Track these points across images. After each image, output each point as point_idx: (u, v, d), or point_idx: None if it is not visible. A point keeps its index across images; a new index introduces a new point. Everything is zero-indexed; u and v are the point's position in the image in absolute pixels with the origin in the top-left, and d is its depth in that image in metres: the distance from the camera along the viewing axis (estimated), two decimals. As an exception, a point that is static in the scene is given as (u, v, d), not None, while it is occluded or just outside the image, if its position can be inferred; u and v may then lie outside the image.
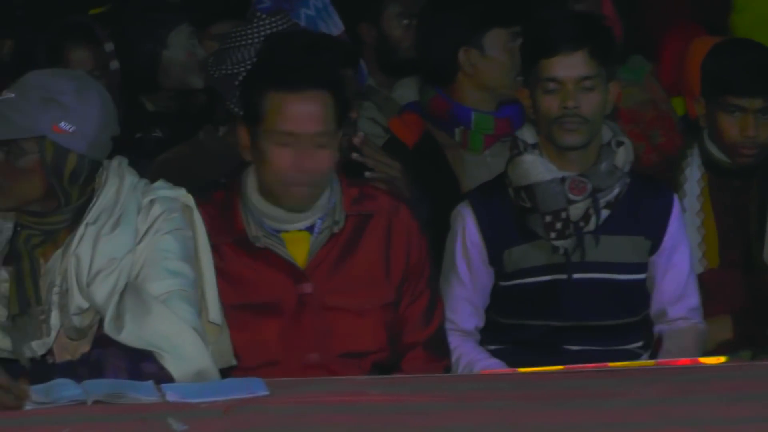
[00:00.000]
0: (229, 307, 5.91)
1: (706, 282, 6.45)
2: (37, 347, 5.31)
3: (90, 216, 5.39)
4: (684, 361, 5.93)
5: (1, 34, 9.35)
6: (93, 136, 5.43)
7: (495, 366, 6.18)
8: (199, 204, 5.97)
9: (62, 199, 5.38)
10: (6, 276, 5.47)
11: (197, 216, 5.62)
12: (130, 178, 5.55)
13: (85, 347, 5.35)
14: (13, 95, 5.49)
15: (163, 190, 5.59)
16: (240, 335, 5.90)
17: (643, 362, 6.06)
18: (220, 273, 5.94)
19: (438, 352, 6.25)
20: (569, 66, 6.22)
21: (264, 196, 6.11)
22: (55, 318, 5.39)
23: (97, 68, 8.50)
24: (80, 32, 9.09)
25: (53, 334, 5.38)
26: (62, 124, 5.34)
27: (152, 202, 5.49)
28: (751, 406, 4.88)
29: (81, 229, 5.38)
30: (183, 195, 5.63)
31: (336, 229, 6.09)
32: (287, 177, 5.97)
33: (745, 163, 6.75)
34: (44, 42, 8.90)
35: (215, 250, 5.94)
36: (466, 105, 7.16)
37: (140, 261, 5.40)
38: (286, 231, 6.09)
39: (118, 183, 5.46)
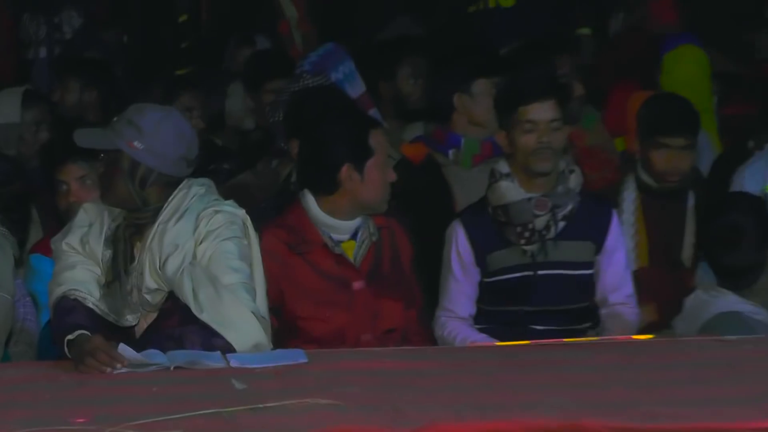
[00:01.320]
0: (312, 302, 6.03)
1: (638, 277, 6.47)
2: (132, 318, 5.34)
3: (162, 216, 5.38)
4: (621, 337, 6.01)
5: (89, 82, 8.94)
6: (161, 155, 5.40)
7: (482, 340, 6.22)
8: (274, 225, 6.14)
9: (138, 200, 5.40)
10: (109, 254, 5.43)
11: (252, 232, 5.55)
12: (196, 188, 5.50)
13: (152, 317, 5.37)
14: (116, 118, 5.54)
15: (227, 206, 5.52)
16: (324, 323, 6.01)
17: (591, 338, 6.10)
18: (308, 279, 6.07)
19: (427, 323, 6.36)
20: (543, 111, 6.24)
21: (330, 213, 6.08)
22: (135, 295, 5.39)
23: (194, 109, 8.52)
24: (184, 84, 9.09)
25: (140, 309, 5.41)
26: (136, 142, 5.35)
27: (216, 212, 5.42)
28: (672, 371, 4.96)
29: (155, 227, 5.39)
30: (243, 214, 5.55)
31: (374, 239, 6.10)
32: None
33: (669, 187, 6.79)
34: (160, 87, 8.83)
35: (301, 256, 6.04)
36: (458, 133, 7.19)
37: (206, 255, 5.35)
38: (343, 241, 6.10)
39: (186, 192, 5.45)
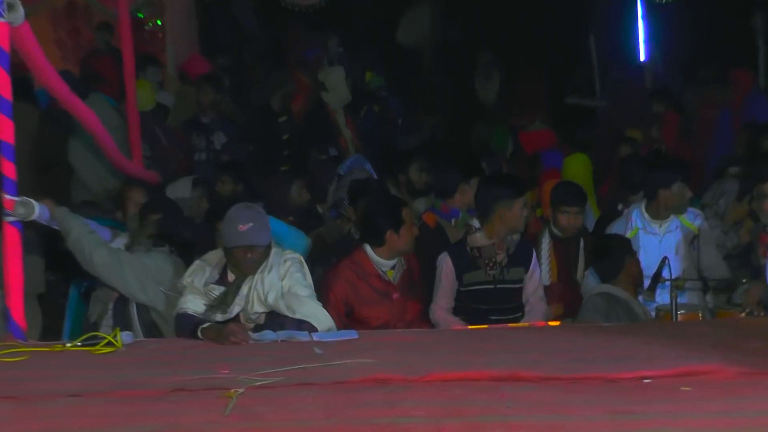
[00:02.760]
0: (369, 306, 5.99)
1: (550, 288, 6.38)
2: (220, 318, 5.16)
3: (261, 268, 5.22)
4: (539, 323, 5.93)
5: (233, 177, 8.37)
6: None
7: (456, 322, 6.11)
8: (348, 261, 6.10)
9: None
10: (219, 289, 5.23)
11: (305, 266, 5.40)
12: (276, 249, 5.32)
13: (251, 324, 5.21)
14: (251, 223, 5.28)
15: (290, 254, 5.38)
16: (376, 318, 5.97)
17: (521, 324, 6.00)
18: (367, 293, 6.03)
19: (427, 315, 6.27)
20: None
21: (380, 256, 6.04)
22: (234, 313, 5.22)
23: (303, 189, 8.25)
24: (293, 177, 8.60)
25: (228, 316, 5.19)
26: (267, 237, 5.26)
27: (285, 260, 5.29)
28: (569, 342, 4.88)
29: (256, 276, 5.21)
30: (299, 256, 5.42)
31: (404, 268, 6.11)
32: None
33: (568, 236, 6.63)
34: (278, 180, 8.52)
35: (363, 280, 6.01)
36: (457, 209, 7.07)
37: (287, 285, 5.21)
38: (387, 270, 6.08)
39: (273, 253, 5.30)
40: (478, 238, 6.22)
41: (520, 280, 6.28)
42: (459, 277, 6.24)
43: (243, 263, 5.21)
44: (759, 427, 3.35)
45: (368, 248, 6.06)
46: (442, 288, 6.28)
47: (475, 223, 6.29)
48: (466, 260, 6.24)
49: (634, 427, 3.42)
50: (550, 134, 10.21)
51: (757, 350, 4.12)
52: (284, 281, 5.23)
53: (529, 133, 10.29)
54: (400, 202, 6.19)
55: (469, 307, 6.20)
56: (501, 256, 6.22)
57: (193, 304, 5.21)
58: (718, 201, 7.70)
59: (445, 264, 6.27)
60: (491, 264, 6.22)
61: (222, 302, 5.20)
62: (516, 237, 6.27)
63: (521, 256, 6.28)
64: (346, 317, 5.85)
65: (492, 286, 6.24)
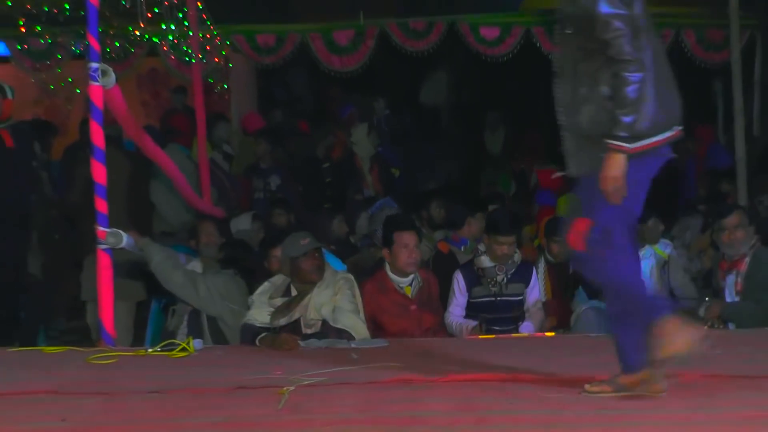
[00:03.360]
0: (390, 317, 5.80)
1: (546, 303, 6.25)
2: (284, 321, 5.08)
3: (318, 284, 5.15)
4: (538, 334, 5.86)
5: (287, 211, 8.24)
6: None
7: (468, 323, 6.02)
8: (371, 280, 5.89)
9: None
10: (281, 302, 5.16)
11: (355, 284, 5.34)
12: (331, 270, 5.28)
13: (310, 329, 5.12)
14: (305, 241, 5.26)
15: (341, 274, 5.36)
16: (396, 326, 5.78)
17: (523, 334, 5.89)
18: (388, 305, 5.83)
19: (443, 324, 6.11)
20: (509, 239, 6.08)
21: (396, 274, 5.86)
22: (294, 318, 5.13)
23: (342, 223, 8.16)
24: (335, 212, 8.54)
25: (289, 320, 5.10)
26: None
27: (339, 280, 5.22)
28: (562, 349, 4.89)
29: (315, 290, 5.14)
30: (351, 277, 5.38)
31: (421, 284, 5.92)
32: None
33: (560, 260, 6.37)
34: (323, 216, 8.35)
35: (384, 295, 5.82)
36: (466, 238, 6.92)
37: (338, 298, 5.14)
38: (405, 286, 5.90)
39: (329, 273, 5.25)
40: (483, 261, 6.15)
41: (520, 294, 6.19)
42: (469, 290, 6.17)
43: (311, 269, 5.14)
44: (716, 421, 3.33)
45: (387, 267, 5.94)
46: (455, 298, 6.18)
47: (481, 246, 6.23)
48: (473, 277, 6.16)
49: (619, 420, 3.38)
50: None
51: (716, 357, 4.07)
52: (336, 296, 5.15)
53: (544, 170, 10.03)
54: (394, 228, 6.01)
55: (476, 316, 6.11)
56: (501, 276, 6.13)
57: (260, 315, 5.14)
58: (684, 234, 7.60)
59: (458, 279, 6.20)
60: (493, 282, 6.14)
61: (286, 308, 5.13)
62: (518, 259, 6.20)
63: (521, 275, 6.20)
64: (372, 323, 5.70)
65: (494, 299, 6.14)
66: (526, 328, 6.07)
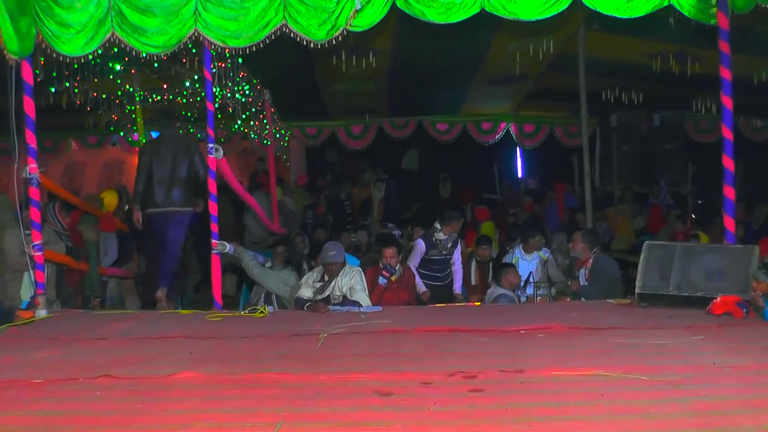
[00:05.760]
0: (380, 294, 5.35)
1: (475, 287, 5.83)
2: (320, 297, 4.78)
3: (341, 273, 4.86)
4: (470, 304, 5.27)
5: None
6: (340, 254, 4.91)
7: (424, 289, 5.58)
8: (371, 270, 5.44)
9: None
10: (320, 284, 4.86)
11: (362, 273, 4.94)
12: (348, 265, 4.93)
13: (336, 301, 4.73)
14: (333, 252, 4.87)
15: (356, 268, 4.98)
16: (385, 298, 5.33)
17: (462, 303, 5.38)
18: (381, 285, 5.38)
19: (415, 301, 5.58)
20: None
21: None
22: (326, 294, 4.80)
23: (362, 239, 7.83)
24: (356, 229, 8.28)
25: (324, 296, 4.77)
26: (331, 254, 4.85)
27: (352, 269, 4.90)
28: (487, 315, 4.53)
29: (339, 277, 4.84)
30: (360, 269, 4.99)
31: (401, 273, 5.46)
32: None
33: (484, 260, 6.06)
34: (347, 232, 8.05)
35: (377, 277, 5.37)
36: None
37: (353, 282, 4.81)
38: (392, 274, 5.41)
39: (347, 267, 4.94)
40: (438, 235, 5.88)
41: (451, 256, 5.89)
42: (426, 251, 5.80)
43: (330, 271, 4.93)
44: (582, 359, 3.22)
45: (381, 263, 5.49)
46: (414, 258, 5.80)
47: (436, 226, 5.85)
48: (430, 243, 5.81)
49: (523, 354, 3.31)
50: (487, 210, 10.11)
51: (575, 318, 4.07)
52: (351, 281, 4.87)
53: (480, 208, 10.01)
54: (382, 245, 5.62)
55: (427, 274, 5.83)
56: (449, 245, 5.87)
57: (306, 292, 4.89)
58: (558, 244, 7.54)
59: (418, 244, 5.86)
60: (445, 249, 5.82)
61: (324, 288, 4.88)
62: (455, 238, 5.84)
63: (455, 246, 5.94)
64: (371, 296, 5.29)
65: (442, 257, 5.83)
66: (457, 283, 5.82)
